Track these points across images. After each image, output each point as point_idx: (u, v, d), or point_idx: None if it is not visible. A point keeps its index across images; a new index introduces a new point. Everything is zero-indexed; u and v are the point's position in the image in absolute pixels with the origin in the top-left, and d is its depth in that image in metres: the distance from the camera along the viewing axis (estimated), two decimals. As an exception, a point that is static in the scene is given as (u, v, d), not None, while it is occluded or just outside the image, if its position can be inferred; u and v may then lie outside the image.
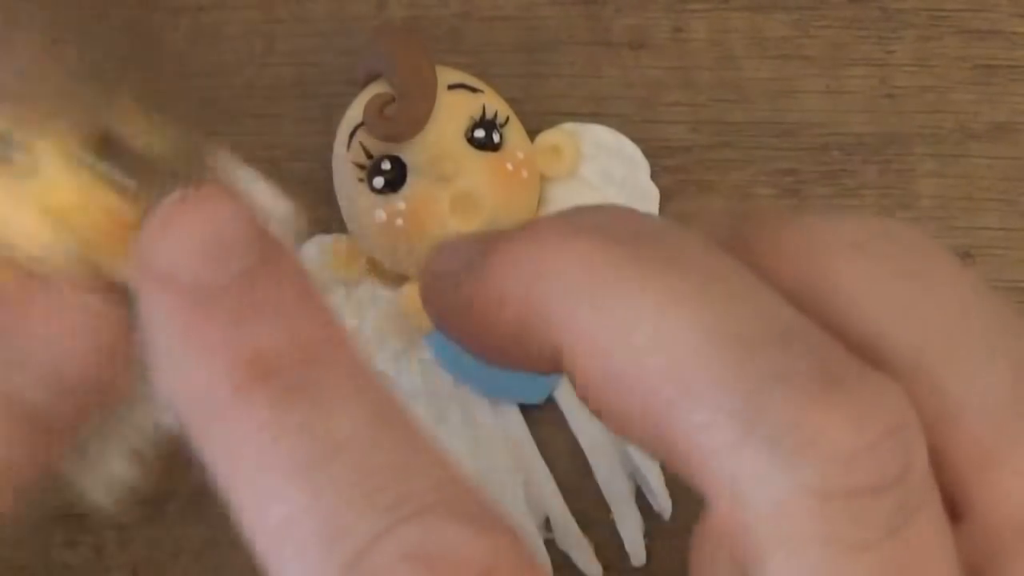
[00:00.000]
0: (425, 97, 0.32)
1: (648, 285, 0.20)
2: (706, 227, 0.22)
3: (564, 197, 0.33)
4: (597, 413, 0.21)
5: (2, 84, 0.24)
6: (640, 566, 0.32)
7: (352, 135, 0.33)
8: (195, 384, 0.21)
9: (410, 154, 0.32)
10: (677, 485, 0.31)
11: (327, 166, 0.33)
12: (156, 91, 0.24)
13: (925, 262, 0.21)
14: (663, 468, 0.32)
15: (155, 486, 0.24)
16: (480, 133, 0.32)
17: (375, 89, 0.33)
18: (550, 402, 0.33)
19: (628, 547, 0.32)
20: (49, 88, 0.24)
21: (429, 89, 0.32)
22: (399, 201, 0.32)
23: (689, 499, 0.22)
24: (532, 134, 0.33)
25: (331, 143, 0.33)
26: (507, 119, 0.33)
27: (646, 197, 0.34)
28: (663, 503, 0.32)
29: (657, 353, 0.20)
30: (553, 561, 0.32)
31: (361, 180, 0.32)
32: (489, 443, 0.32)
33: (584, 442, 0.33)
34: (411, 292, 0.33)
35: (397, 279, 0.33)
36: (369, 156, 0.32)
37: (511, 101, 0.33)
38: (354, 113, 0.33)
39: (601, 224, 0.21)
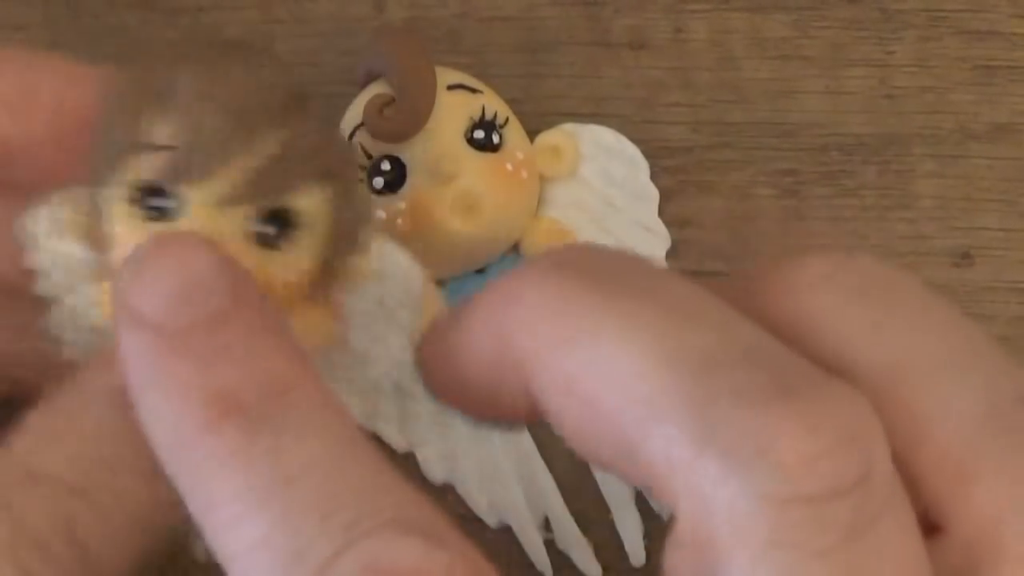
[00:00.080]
0: (425, 97, 0.32)
1: (611, 314, 0.21)
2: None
3: (564, 197, 0.33)
4: (572, 443, 0.21)
5: (173, 137, 0.25)
6: (640, 566, 0.32)
7: (352, 135, 0.33)
8: (168, 418, 0.22)
9: (410, 154, 0.32)
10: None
11: (327, 166, 0.33)
12: (310, 145, 0.25)
13: (892, 288, 0.22)
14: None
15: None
16: (480, 134, 0.32)
17: (375, 89, 0.33)
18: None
19: (628, 547, 0.32)
20: (213, 144, 0.24)
21: (429, 89, 0.32)
22: (399, 201, 0.32)
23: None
24: (532, 134, 0.33)
25: (331, 143, 0.33)
26: (507, 120, 0.33)
27: (646, 197, 0.34)
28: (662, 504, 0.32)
29: (620, 377, 0.20)
30: (553, 561, 0.32)
31: (361, 180, 0.32)
32: (489, 444, 0.32)
33: (584, 442, 0.33)
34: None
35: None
36: (369, 156, 0.32)
37: (511, 102, 0.33)
38: (354, 113, 0.33)
39: (568, 261, 0.22)
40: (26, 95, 0.26)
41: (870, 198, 0.35)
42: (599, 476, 0.32)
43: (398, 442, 0.32)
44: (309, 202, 0.25)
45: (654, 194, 0.34)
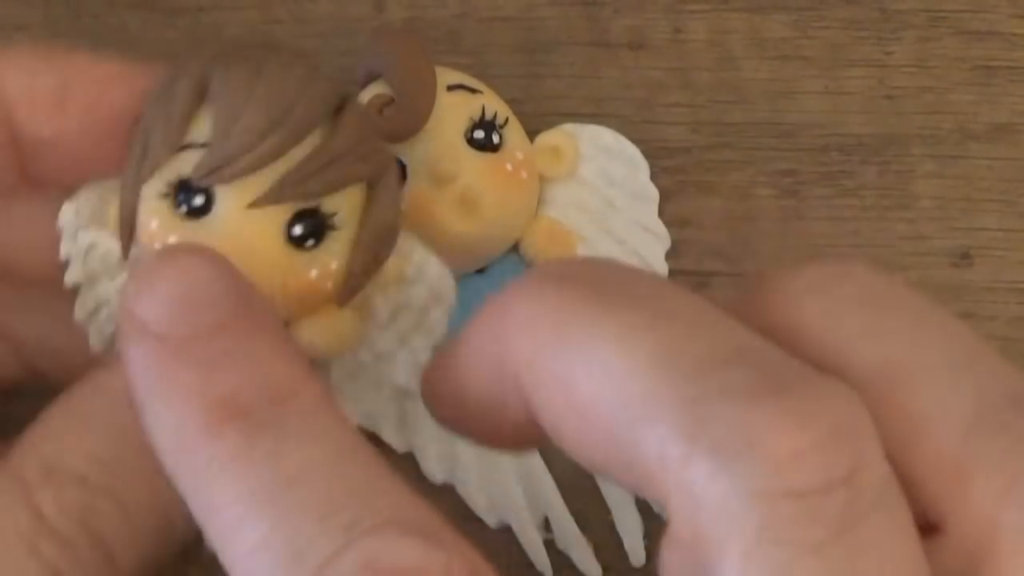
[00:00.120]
0: (425, 97, 0.32)
1: (604, 319, 0.21)
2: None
3: (564, 197, 0.33)
4: (571, 452, 0.22)
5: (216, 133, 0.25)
6: (640, 566, 0.32)
7: (352, 136, 0.33)
8: (170, 424, 0.22)
9: (410, 155, 0.32)
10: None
11: (327, 167, 0.33)
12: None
13: (885, 294, 0.22)
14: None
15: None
16: (479, 134, 0.32)
17: (375, 89, 0.33)
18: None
19: (628, 547, 0.32)
20: (249, 144, 0.25)
21: (429, 90, 0.32)
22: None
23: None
24: (532, 135, 0.34)
25: (331, 144, 0.33)
26: (506, 120, 0.33)
27: (646, 198, 0.34)
28: (662, 504, 0.32)
29: (613, 382, 0.20)
30: (553, 561, 0.32)
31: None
32: (489, 443, 0.32)
33: (584, 442, 0.33)
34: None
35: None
36: (369, 157, 0.32)
37: (510, 102, 0.33)
38: (354, 114, 0.33)
39: (561, 272, 0.22)
40: (61, 92, 0.26)
41: (870, 198, 0.35)
42: (599, 476, 0.32)
43: (398, 442, 0.32)
44: (343, 204, 0.25)
45: (654, 194, 0.34)
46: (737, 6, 0.36)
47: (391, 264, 0.26)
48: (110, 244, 0.26)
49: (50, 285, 0.27)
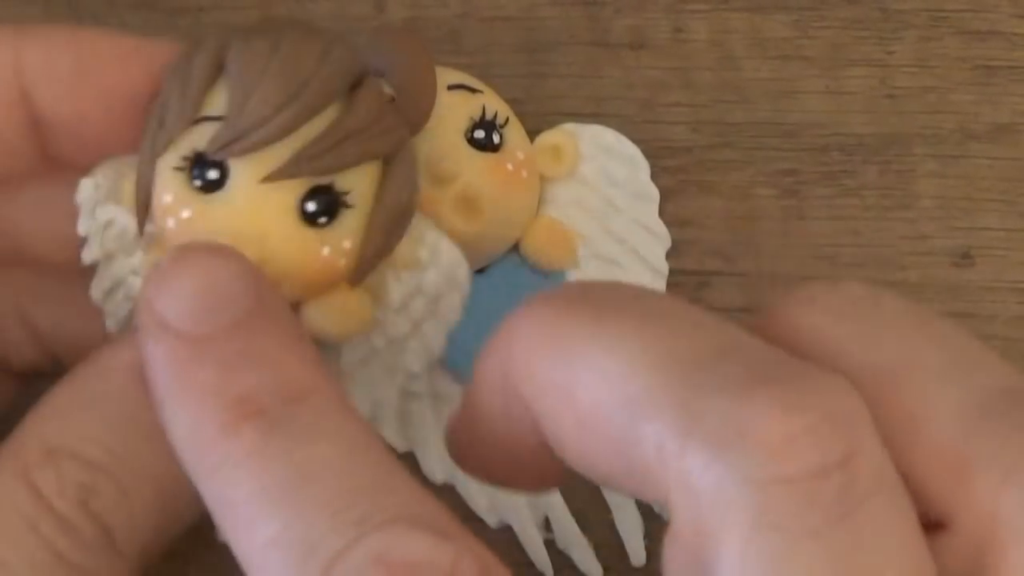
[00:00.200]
0: (425, 97, 0.32)
1: (599, 328, 0.21)
2: None
3: (564, 197, 0.33)
4: (576, 465, 0.22)
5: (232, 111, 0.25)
6: (640, 566, 0.32)
7: (352, 135, 0.33)
8: (188, 421, 0.23)
9: (410, 154, 0.32)
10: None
11: (327, 166, 0.33)
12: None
13: (874, 304, 0.23)
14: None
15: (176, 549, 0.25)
16: (480, 134, 0.32)
17: (375, 89, 0.33)
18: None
19: (628, 547, 0.32)
20: (263, 118, 0.25)
21: (429, 89, 0.32)
22: (399, 201, 0.32)
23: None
24: (532, 134, 0.34)
25: (331, 143, 0.33)
26: (507, 120, 0.33)
27: (646, 197, 0.34)
28: (663, 503, 0.32)
29: (610, 386, 0.21)
30: (553, 561, 0.32)
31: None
32: (489, 443, 0.32)
33: (584, 442, 0.33)
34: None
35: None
36: (369, 156, 0.32)
37: (511, 102, 0.33)
38: (354, 113, 0.33)
39: (557, 294, 0.23)
40: (79, 71, 0.26)
41: (871, 198, 0.35)
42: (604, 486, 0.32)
43: (399, 442, 0.32)
44: (357, 182, 0.25)
45: (655, 194, 0.34)
46: (738, 6, 0.36)
47: (404, 246, 0.26)
48: (127, 221, 0.26)
49: (68, 271, 0.27)
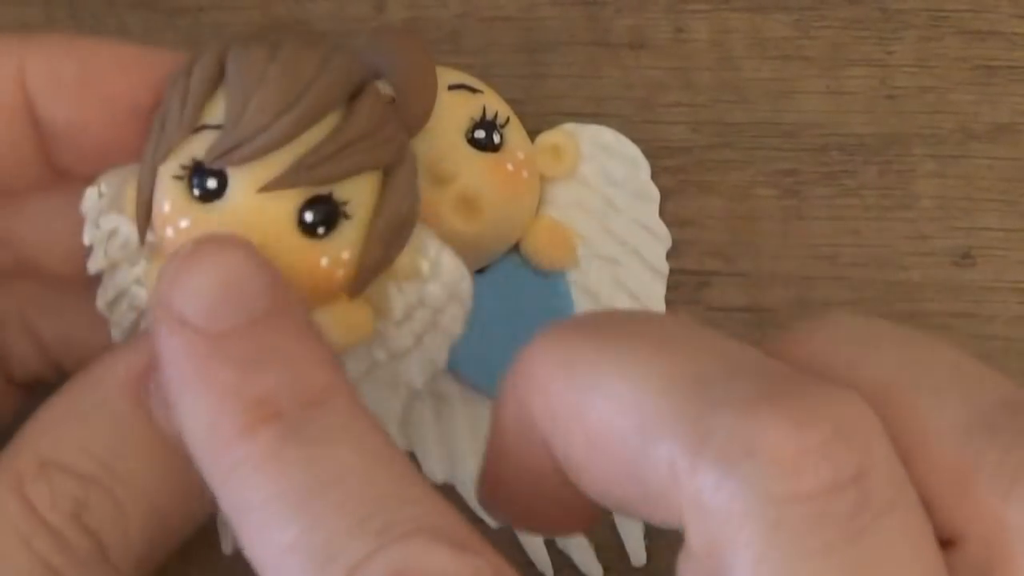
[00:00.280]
0: (425, 97, 0.32)
1: (609, 352, 0.21)
2: None
3: (564, 197, 0.33)
4: (592, 492, 0.22)
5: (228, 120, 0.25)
6: (640, 566, 0.32)
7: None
8: (204, 421, 0.22)
9: (410, 154, 0.32)
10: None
11: (327, 167, 0.33)
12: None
13: (867, 329, 0.23)
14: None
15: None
16: (480, 134, 0.32)
17: (375, 89, 0.33)
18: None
19: (628, 547, 0.32)
20: (262, 126, 0.24)
21: (429, 89, 0.32)
22: (399, 201, 0.32)
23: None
24: (532, 134, 0.33)
25: (331, 143, 0.33)
26: (507, 120, 0.33)
27: (646, 197, 0.34)
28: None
29: (622, 409, 0.21)
30: (553, 561, 0.32)
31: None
32: (489, 443, 0.32)
33: (584, 442, 0.33)
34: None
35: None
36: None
37: (511, 102, 0.33)
38: (354, 114, 0.33)
39: (566, 324, 0.23)
40: (82, 82, 0.26)
41: (871, 198, 0.35)
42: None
43: (399, 442, 0.32)
44: (356, 192, 0.25)
45: (655, 194, 0.34)
46: (738, 6, 0.36)
47: (405, 257, 0.26)
48: (130, 230, 0.26)
49: (73, 282, 0.27)
